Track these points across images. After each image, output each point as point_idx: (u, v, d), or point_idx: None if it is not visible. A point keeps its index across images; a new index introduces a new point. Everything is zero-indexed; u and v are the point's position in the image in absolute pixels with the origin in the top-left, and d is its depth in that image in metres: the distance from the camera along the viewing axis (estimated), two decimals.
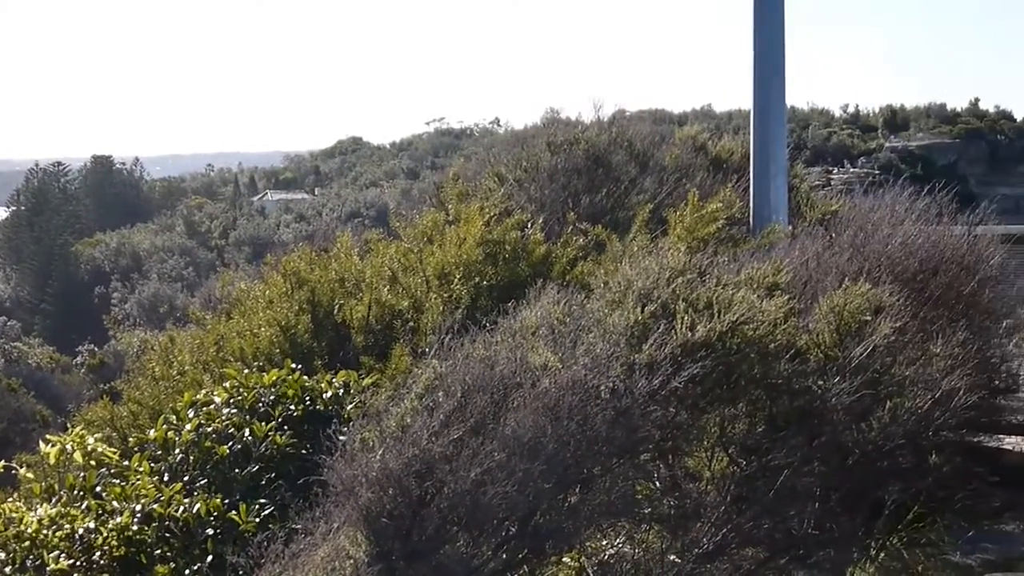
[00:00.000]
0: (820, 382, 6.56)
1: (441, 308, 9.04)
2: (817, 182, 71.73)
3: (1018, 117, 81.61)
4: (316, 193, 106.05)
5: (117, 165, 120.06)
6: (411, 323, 9.30)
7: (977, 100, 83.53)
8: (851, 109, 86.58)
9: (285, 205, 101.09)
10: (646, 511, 6.30)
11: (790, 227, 10.49)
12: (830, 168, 76.13)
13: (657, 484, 6.53)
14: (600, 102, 13.68)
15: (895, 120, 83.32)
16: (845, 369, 6.63)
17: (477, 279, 9.50)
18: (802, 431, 6.50)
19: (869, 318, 6.93)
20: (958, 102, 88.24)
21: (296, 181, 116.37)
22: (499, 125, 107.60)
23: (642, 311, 6.09)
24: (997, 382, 10.48)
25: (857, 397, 6.54)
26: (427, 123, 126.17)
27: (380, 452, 5.80)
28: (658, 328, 5.96)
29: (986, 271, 9.09)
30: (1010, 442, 11.57)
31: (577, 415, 5.69)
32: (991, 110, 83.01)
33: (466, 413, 5.82)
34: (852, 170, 75.19)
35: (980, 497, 8.79)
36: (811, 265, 8.17)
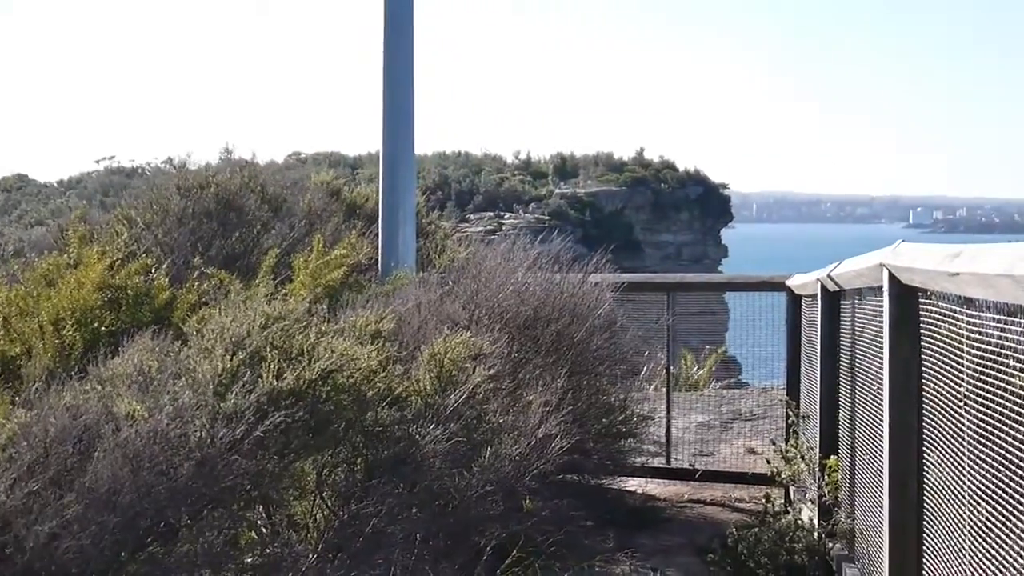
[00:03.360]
0: (420, 429, 6.64)
1: (51, 355, 8.80)
2: (489, 226, 72.83)
3: (680, 167, 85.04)
4: None
5: None
6: (21, 370, 9.00)
7: (642, 150, 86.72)
8: (523, 156, 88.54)
9: None
10: (247, 560, 6.25)
11: (419, 274, 10.61)
12: (502, 213, 77.60)
13: (264, 532, 6.50)
14: (232, 145, 13.61)
15: (565, 167, 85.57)
16: (442, 416, 6.73)
17: (95, 325, 9.27)
18: (400, 477, 6.55)
19: (469, 366, 7.06)
20: (625, 151, 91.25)
21: None
22: (172, 165, 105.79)
23: (231, 359, 6.05)
24: (620, 426, 10.81)
25: (454, 443, 6.65)
26: (97, 161, 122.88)
27: None
28: (245, 376, 5.94)
29: (596, 319, 9.38)
30: (634, 483, 11.99)
31: (159, 465, 5.61)
32: (655, 159, 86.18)
33: (48, 464, 5.67)
34: (524, 215, 76.76)
35: (591, 537, 9.04)
36: (423, 312, 8.28)
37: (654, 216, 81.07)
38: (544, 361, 8.50)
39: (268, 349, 6.15)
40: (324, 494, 6.51)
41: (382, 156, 11.23)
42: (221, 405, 5.78)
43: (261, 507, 6.48)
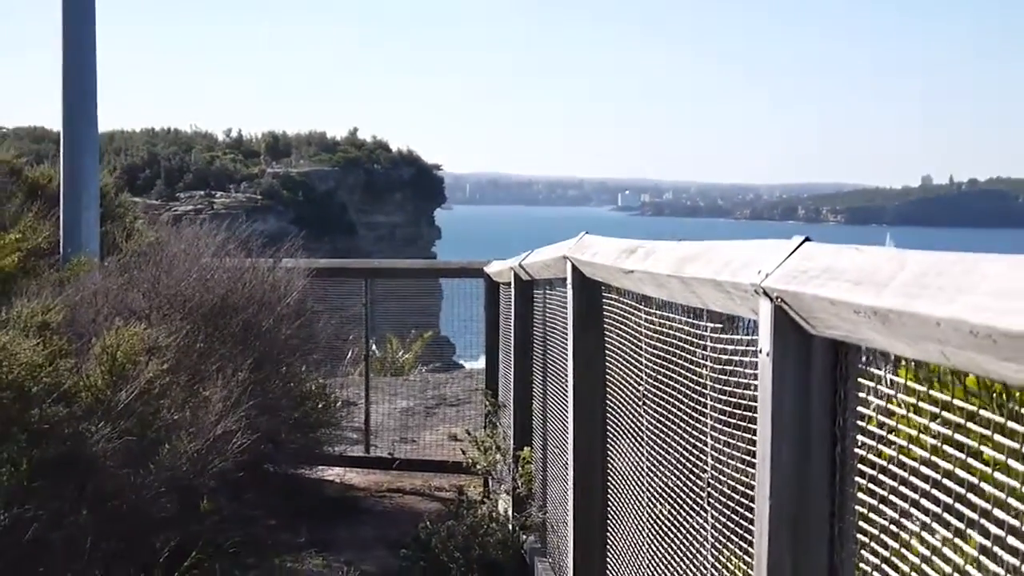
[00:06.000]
0: (91, 427, 6.26)
1: None
2: (200, 205, 71.22)
3: (393, 148, 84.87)
4: None
5: None
6: None
7: (356, 130, 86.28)
8: (234, 134, 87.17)
9: None
10: None
11: (103, 260, 10.09)
12: (213, 192, 76.21)
13: None
14: None
15: (277, 146, 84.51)
16: (113, 412, 6.36)
17: None
18: (69, 478, 6.17)
19: (143, 359, 6.70)
20: (338, 131, 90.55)
21: None
22: None
23: None
24: (318, 415, 10.56)
25: (126, 441, 6.29)
26: None
27: None
28: None
29: (285, 306, 9.10)
30: (333, 473, 11.74)
31: None
32: (368, 140, 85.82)
33: None
34: (235, 194, 75.55)
35: (283, 533, 8.77)
36: (100, 301, 7.84)
37: (367, 197, 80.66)
38: (230, 352, 8.16)
39: None
40: None
41: (63, 138, 10.67)
42: None
43: None
